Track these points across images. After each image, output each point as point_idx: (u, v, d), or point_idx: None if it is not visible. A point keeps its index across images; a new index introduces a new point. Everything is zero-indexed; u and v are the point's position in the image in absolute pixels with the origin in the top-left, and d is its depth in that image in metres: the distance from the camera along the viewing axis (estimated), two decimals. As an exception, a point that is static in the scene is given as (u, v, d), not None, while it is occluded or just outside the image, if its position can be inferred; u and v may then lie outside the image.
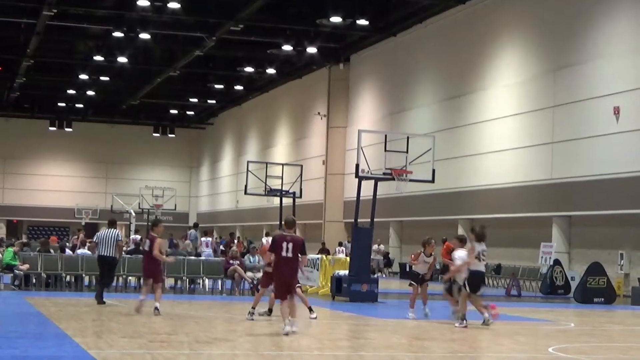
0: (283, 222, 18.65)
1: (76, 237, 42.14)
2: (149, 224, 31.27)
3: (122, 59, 56.28)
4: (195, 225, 41.92)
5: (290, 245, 17.49)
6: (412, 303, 22.70)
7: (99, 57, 56.22)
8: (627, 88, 35.15)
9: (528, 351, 16.66)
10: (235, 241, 47.05)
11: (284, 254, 17.49)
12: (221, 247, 47.76)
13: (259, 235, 49.67)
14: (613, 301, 32.50)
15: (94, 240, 26.97)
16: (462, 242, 21.69)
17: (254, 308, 20.36)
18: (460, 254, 21.04)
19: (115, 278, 29.82)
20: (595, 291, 32.37)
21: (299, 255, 17.70)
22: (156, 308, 20.37)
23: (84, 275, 29.56)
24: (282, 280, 17.75)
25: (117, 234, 24.08)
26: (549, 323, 23.14)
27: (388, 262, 51.57)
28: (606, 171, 35.79)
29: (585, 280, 32.71)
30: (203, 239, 44.73)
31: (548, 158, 39.31)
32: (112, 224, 24.39)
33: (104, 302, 23.25)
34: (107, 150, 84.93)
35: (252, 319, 20.00)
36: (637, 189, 34.23)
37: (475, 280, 20.55)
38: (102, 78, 63.66)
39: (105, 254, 23.84)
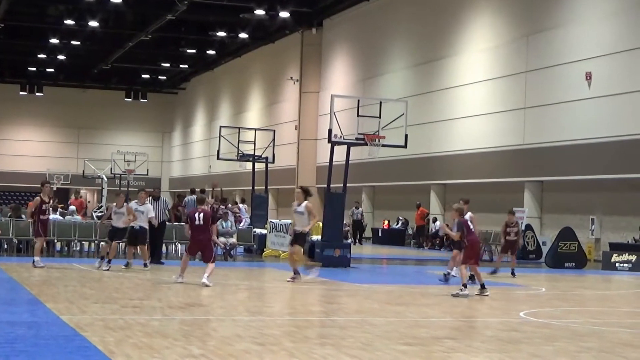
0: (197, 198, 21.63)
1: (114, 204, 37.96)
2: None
3: (93, 23, 55.86)
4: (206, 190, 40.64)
5: (202, 215, 20.47)
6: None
7: (70, 21, 55.76)
8: (599, 53, 35.24)
9: (500, 315, 16.74)
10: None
11: (196, 222, 20.45)
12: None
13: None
14: (584, 266, 32.70)
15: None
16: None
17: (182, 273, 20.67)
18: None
19: (89, 244, 29.97)
20: (567, 256, 32.54)
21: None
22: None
23: (55, 240, 29.48)
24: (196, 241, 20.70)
25: (165, 200, 27.39)
26: (520, 288, 23.27)
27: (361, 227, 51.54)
28: (578, 137, 35.94)
29: (556, 245, 32.88)
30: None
31: (520, 123, 39.42)
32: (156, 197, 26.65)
33: (162, 263, 26.12)
34: (79, 115, 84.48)
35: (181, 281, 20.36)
36: (609, 155, 34.43)
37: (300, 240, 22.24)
38: (73, 42, 63.20)
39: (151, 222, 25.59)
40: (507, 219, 26.79)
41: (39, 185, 24.58)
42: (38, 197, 23.88)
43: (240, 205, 40.83)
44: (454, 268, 23.00)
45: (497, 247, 38.95)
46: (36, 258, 23.56)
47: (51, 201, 25.55)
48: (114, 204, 24.38)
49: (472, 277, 21.22)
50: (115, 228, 23.89)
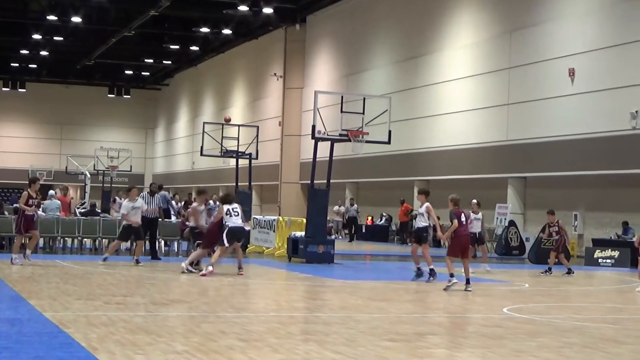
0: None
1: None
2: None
3: (76, 19, 55.65)
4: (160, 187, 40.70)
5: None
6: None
7: (53, 16, 55.56)
8: (582, 50, 35.34)
9: (483, 311, 16.78)
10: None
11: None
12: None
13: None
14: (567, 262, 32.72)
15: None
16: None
17: (192, 264, 22.33)
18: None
19: (72, 240, 29.87)
20: (550, 252, 32.53)
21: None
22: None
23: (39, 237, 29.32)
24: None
25: (163, 196, 28.28)
26: (503, 284, 23.32)
27: (345, 224, 51.48)
28: (561, 133, 36.04)
29: (539, 241, 32.91)
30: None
31: (503, 119, 39.49)
32: (155, 191, 27.61)
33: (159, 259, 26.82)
34: (62, 111, 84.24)
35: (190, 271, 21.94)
36: (592, 151, 34.53)
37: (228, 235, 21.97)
38: (56, 38, 62.99)
39: (147, 216, 26.15)
40: (548, 219, 27.18)
41: (26, 182, 24.53)
42: (26, 192, 23.78)
43: (210, 202, 40.85)
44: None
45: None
46: (14, 255, 23.43)
47: (37, 197, 25.48)
48: (195, 203, 24.52)
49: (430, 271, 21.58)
50: (191, 228, 24.12)
